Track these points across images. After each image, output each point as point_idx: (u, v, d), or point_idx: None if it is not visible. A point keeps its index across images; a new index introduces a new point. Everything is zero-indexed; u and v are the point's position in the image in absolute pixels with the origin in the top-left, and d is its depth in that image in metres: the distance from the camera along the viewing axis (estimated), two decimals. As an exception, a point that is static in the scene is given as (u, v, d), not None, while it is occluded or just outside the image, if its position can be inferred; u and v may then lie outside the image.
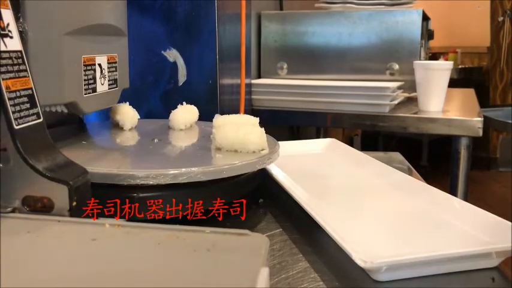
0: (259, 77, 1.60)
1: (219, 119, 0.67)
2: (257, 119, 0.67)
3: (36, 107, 0.43)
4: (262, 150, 0.60)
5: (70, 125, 0.69)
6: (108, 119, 0.77)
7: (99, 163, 0.56)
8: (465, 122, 1.19)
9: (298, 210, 0.55)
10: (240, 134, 0.59)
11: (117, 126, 0.74)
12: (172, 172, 0.50)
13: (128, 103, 0.75)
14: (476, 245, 0.44)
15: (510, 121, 2.08)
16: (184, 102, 0.77)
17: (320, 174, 0.71)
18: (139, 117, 0.75)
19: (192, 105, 0.78)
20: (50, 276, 0.31)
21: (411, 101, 1.39)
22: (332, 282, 0.43)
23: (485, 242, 0.45)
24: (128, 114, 0.73)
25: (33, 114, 0.43)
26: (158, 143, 0.65)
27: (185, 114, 0.75)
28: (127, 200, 0.50)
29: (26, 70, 0.43)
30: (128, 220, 0.47)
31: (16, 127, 0.40)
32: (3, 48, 0.41)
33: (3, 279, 0.29)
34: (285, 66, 1.58)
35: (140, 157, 0.61)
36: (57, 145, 0.45)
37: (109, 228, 0.38)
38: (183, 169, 0.51)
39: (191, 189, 0.52)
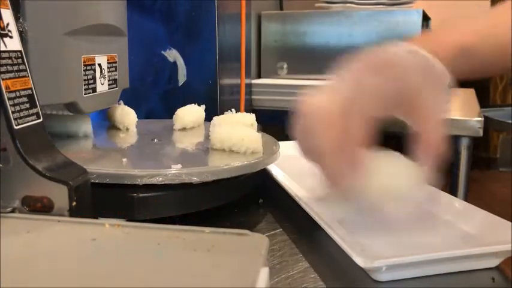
0: (259, 77, 1.60)
1: (216, 120, 0.67)
2: (253, 116, 0.68)
3: (36, 107, 0.43)
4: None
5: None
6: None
7: (98, 163, 0.56)
8: (465, 122, 1.19)
9: (298, 210, 0.55)
10: (234, 136, 0.59)
11: (116, 128, 0.73)
12: (169, 172, 0.50)
13: (121, 102, 0.74)
14: (476, 245, 0.44)
15: (510, 121, 2.08)
16: (194, 104, 0.76)
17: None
18: (136, 117, 0.75)
19: (198, 106, 0.77)
20: (50, 276, 0.31)
21: (411, 101, 1.39)
22: (332, 282, 0.43)
23: (485, 242, 0.45)
24: (126, 115, 0.73)
25: (32, 114, 0.43)
26: (158, 143, 0.65)
27: (188, 114, 0.74)
28: (127, 200, 0.50)
29: (25, 70, 0.43)
30: (128, 220, 0.47)
31: (16, 127, 0.40)
32: (3, 48, 0.41)
33: (3, 279, 0.29)
34: (285, 66, 1.58)
35: (138, 157, 0.61)
36: (57, 145, 0.45)
37: (109, 228, 0.38)
38: (181, 169, 0.51)
39: (191, 189, 0.52)
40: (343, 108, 0.43)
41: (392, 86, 0.43)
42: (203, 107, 0.77)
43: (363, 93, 0.43)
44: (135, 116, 0.74)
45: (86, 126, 0.66)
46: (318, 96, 0.45)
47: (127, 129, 0.72)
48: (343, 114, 0.43)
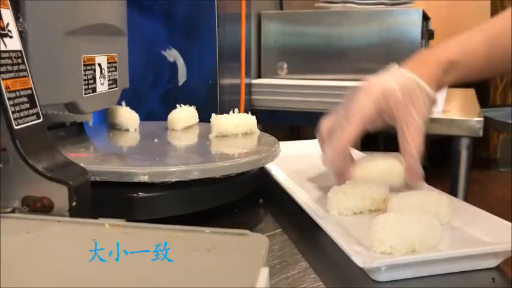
0: (259, 77, 1.60)
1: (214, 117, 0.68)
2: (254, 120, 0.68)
3: (36, 107, 0.43)
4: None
5: (70, 127, 0.69)
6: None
7: (97, 163, 0.56)
8: (465, 122, 1.19)
9: (298, 210, 0.55)
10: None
11: (117, 128, 0.73)
12: (170, 170, 0.50)
13: (123, 103, 0.74)
14: (476, 245, 0.44)
15: (510, 121, 2.08)
16: (182, 104, 0.76)
17: (320, 174, 0.71)
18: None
19: (191, 107, 0.77)
20: (50, 276, 0.31)
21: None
22: (332, 282, 0.43)
23: (485, 242, 0.45)
24: (129, 116, 0.72)
25: (32, 115, 0.43)
26: (157, 143, 0.65)
27: (183, 115, 0.74)
28: (127, 200, 0.50)
29: (25, 70, 0.43)
30: (128, 220, 0.47)
31: (16, 127, 0.40)
32: (3, 48, 0.41)
33: (3, 279, 0.29)
34: (285, 66, 1.57)
35: (138, 156, 0.61)
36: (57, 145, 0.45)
37: (109, 228, 0.38)
38: (180, 167, 0.51)
39: (191, 188, 0.52)
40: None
41: (380, 104, 0.57)
42: (192, 107, 0.77)
43: (357, 107, 0.59)
44: (137, 117, 0.73)
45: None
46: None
47: (127, 130, 0.72)
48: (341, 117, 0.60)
